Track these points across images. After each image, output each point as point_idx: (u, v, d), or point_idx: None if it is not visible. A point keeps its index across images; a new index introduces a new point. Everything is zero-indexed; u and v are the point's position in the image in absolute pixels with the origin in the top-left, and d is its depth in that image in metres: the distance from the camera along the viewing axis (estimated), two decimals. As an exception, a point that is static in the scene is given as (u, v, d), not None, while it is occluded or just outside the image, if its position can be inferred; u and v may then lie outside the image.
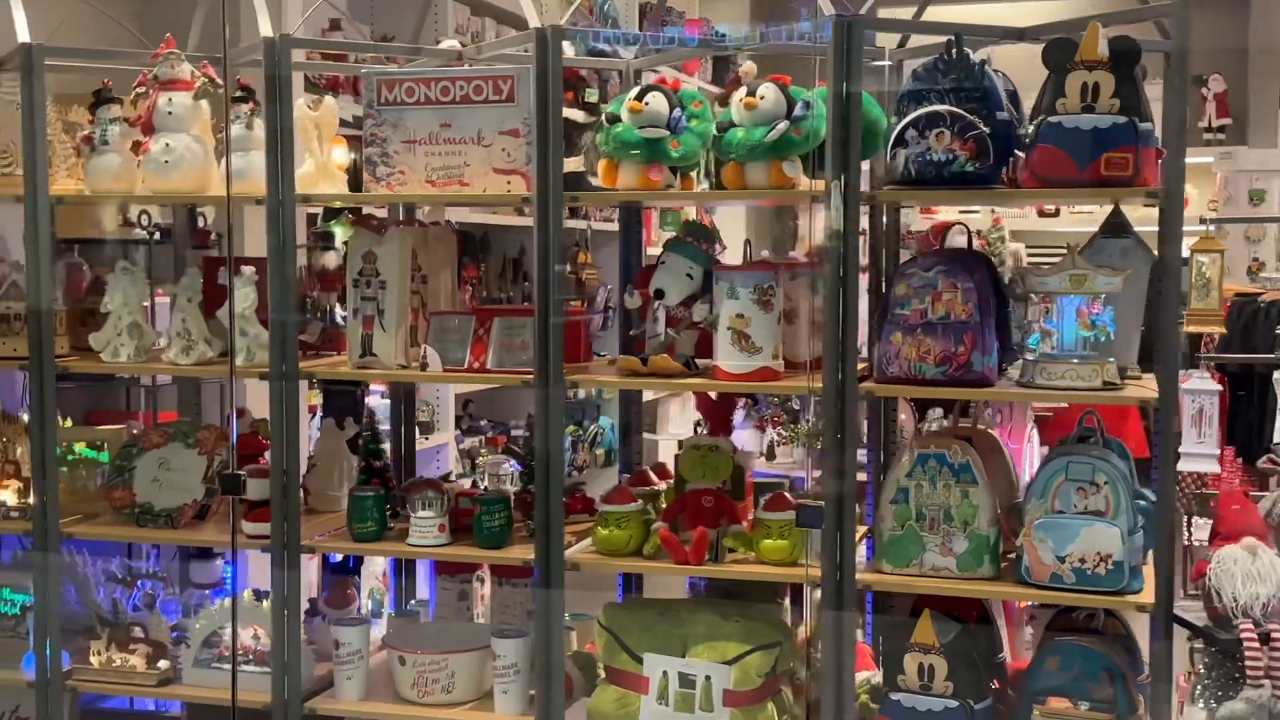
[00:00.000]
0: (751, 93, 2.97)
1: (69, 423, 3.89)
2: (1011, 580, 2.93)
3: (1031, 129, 2.84)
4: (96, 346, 3.45)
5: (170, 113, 3.33)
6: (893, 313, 2.96)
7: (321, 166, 3.33)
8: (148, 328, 3.45)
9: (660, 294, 3.09)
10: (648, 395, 7.42)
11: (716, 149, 3.03)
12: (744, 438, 5.63)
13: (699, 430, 3.51)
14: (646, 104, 3.02)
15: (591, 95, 3.90)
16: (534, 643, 3.20)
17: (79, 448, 3.69)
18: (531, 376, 3.12)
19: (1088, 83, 2.78)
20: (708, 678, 3.06)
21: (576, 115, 3.31)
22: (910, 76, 2.92)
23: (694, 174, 3.11)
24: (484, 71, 3.20)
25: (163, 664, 3.45)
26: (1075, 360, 2.88)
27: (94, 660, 3.47)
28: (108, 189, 3.41)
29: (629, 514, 3.15)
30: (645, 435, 7.58)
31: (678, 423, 8.32)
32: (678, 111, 3.03)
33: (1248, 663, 2.81)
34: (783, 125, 2.92)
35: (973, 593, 3.01)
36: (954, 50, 2.87)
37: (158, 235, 4.60)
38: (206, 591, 3.89)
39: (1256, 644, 2.98)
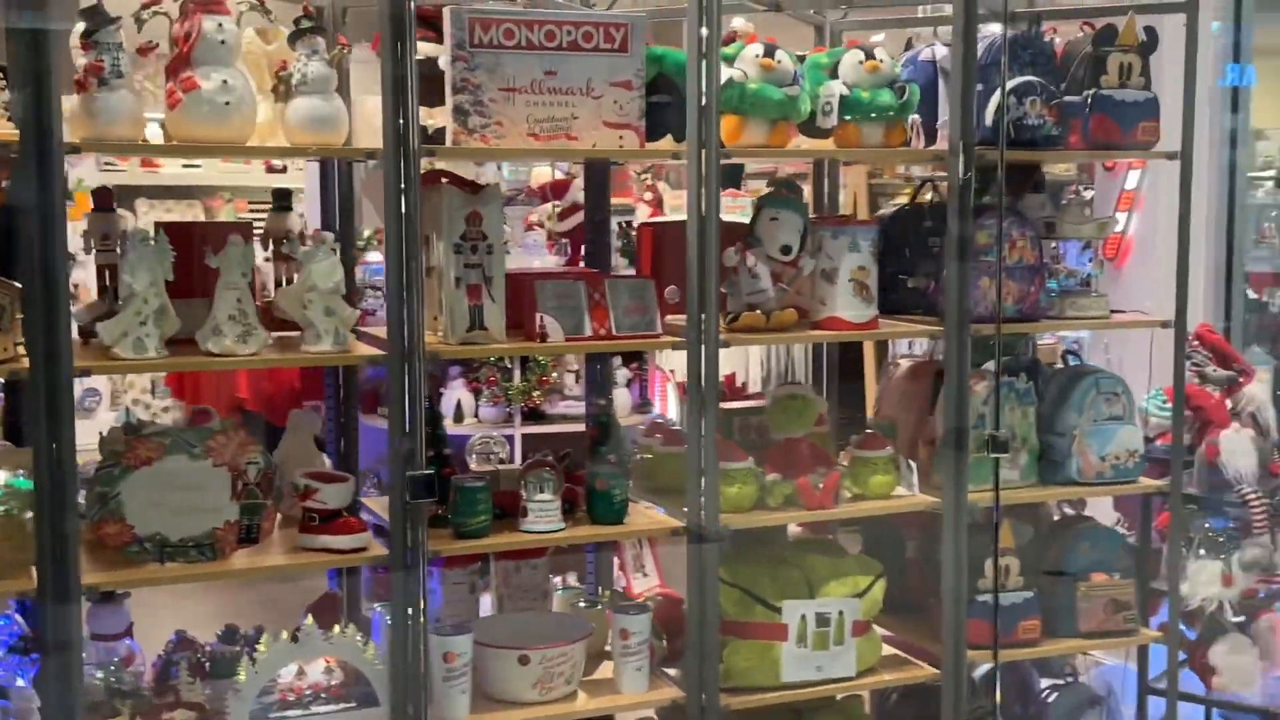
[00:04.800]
0: (871, 56, 3.14)
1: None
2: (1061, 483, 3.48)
3: (1089, 99, 3.36)
4: (109, 339, 2.66)
5: (223, 41, 2.68)
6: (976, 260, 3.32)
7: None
8: (172, 311, 2.72)
9: (787, 250, 3.15)
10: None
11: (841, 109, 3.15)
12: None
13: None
14: (778, 62, 3.06)
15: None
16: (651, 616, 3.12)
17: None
18: (678, 339, 3.03)
19: (1124, 63, 3.36)
20: (841, 612, 3.21)
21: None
22: (986, 49, 3.27)
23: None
24: (595, 16, 3.00)
25: (208, 729, 2.79)
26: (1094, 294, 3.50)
27: (113, 744, 2.71)
28: (119, 135, 2.64)
29: (747, 470, 3.18)
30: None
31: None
32: (798, 69, 3.11)
33: (1255, 517, 3.61)
34: (913, 89, 3.14)
35: (1039, 498, 3.52)
36: (1032, 27, 3.30)
37: None
38: (112, 644, 3.11)
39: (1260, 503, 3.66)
